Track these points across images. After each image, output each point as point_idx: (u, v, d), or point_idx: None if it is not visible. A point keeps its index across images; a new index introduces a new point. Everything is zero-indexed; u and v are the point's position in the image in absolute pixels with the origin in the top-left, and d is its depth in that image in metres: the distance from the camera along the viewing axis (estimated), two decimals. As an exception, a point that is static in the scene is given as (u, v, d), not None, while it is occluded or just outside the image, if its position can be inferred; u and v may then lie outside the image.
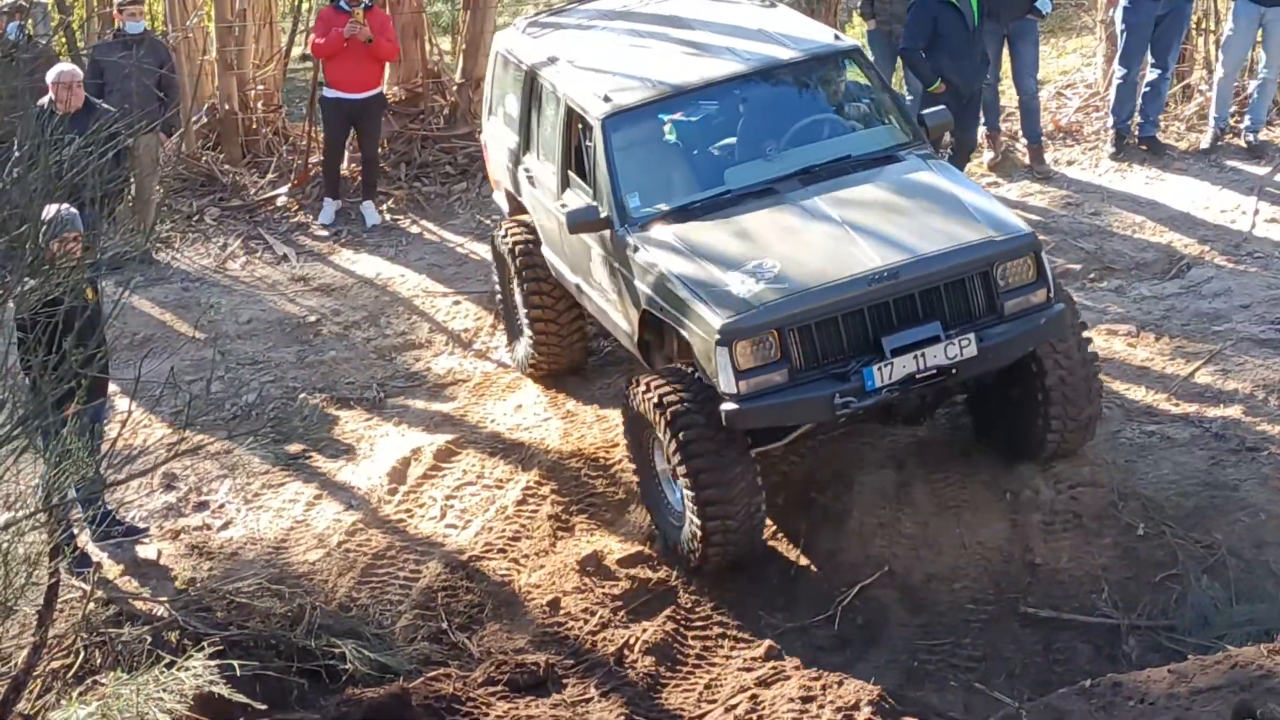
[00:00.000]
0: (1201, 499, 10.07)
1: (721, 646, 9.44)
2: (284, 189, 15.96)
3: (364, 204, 15.47)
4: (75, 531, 9.43)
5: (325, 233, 15.28)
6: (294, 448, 11.59)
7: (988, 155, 15.25)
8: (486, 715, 8.72)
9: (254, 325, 13.62)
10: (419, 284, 14.20)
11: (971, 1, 13.60)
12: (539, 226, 11.78)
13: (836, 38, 11.20)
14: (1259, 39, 14.99)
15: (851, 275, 9.40)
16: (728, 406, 9.32)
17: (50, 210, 7.88)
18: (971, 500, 10.28)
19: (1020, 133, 15.39)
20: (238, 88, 16.41)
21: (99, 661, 8.69)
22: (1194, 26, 16.11)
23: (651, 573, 9.97)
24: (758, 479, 9.71)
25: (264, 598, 9.70)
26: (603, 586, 9.90)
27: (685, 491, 9.62)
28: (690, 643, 9.46)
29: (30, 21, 14.82)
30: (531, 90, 11.57)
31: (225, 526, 10.92)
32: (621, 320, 10.64)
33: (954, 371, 9.46)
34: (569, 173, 10.90)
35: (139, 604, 9.67)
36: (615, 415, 10.79)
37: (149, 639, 8.86)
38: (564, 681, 9.15)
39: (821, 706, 8.62)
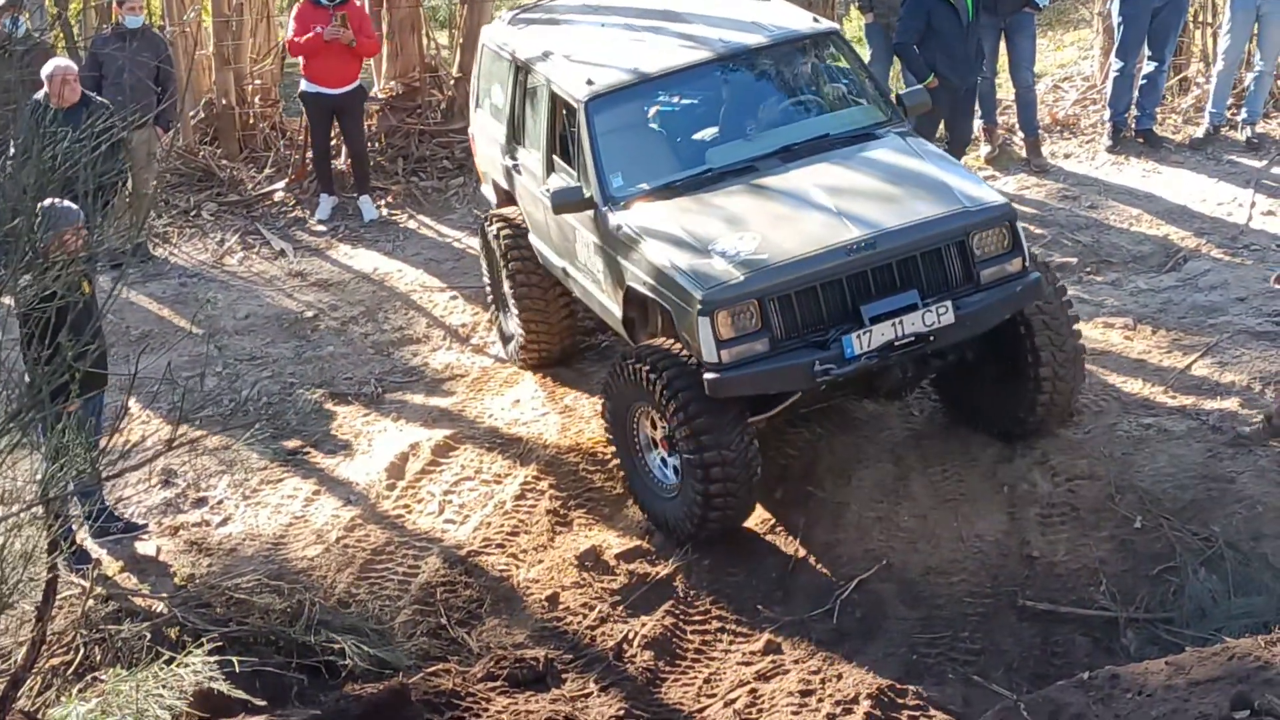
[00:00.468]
0: (1199, 491, 10.08)
1: (720, 640, 9.45)
2: (281, 184, 15.96)
3: (360, 199, 15.48)
4: (73, 527, 9.43)
5: (322, 228, 15.28)
6: (292, 443, 11.62)
7: (984, 149, 15.26)
8: (486, 710, 8.73)
9: (252, 320, 13.62)
10: (416, 279, 14.21)
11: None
12: (526, 215, 11.96)
13: (815, 20, 11.41)
14: (1255, 31, 14.99)
15: (830, 246, 9.65)
16: (710, 376, 9.51)
17: (48, 205, 7.90)
18: (969, 494, 10.30)
19: (1017, 126, 15.39)
20: (235, 82, 16.40)
21: (99, 658, 8.70)
22: (1191, 19, 16.11)
23: (650, 567, 9.99)
24: (755, 442, 9.85)
25: (263, 593, 9.70)
26: (601, 581, 9.92)
27: (685, 457, 9.74)
28: (689, 637, 9.48)
29: (27, 15, 14.81)
30: (517, 80, 11.73)
31: (224, 522, 10.93)
32: (607, 300, 10.82)
33: (932, 339, 9.68)
34: (554, 157, 11.11)
35: (138, 600, 9.67)
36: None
37: (148, 635, 8.85)
38: (563, 676, 9.17)
39: (820, 700, 8.65)
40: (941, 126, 14.20)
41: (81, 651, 8.69)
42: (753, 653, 9.27)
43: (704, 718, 8.83)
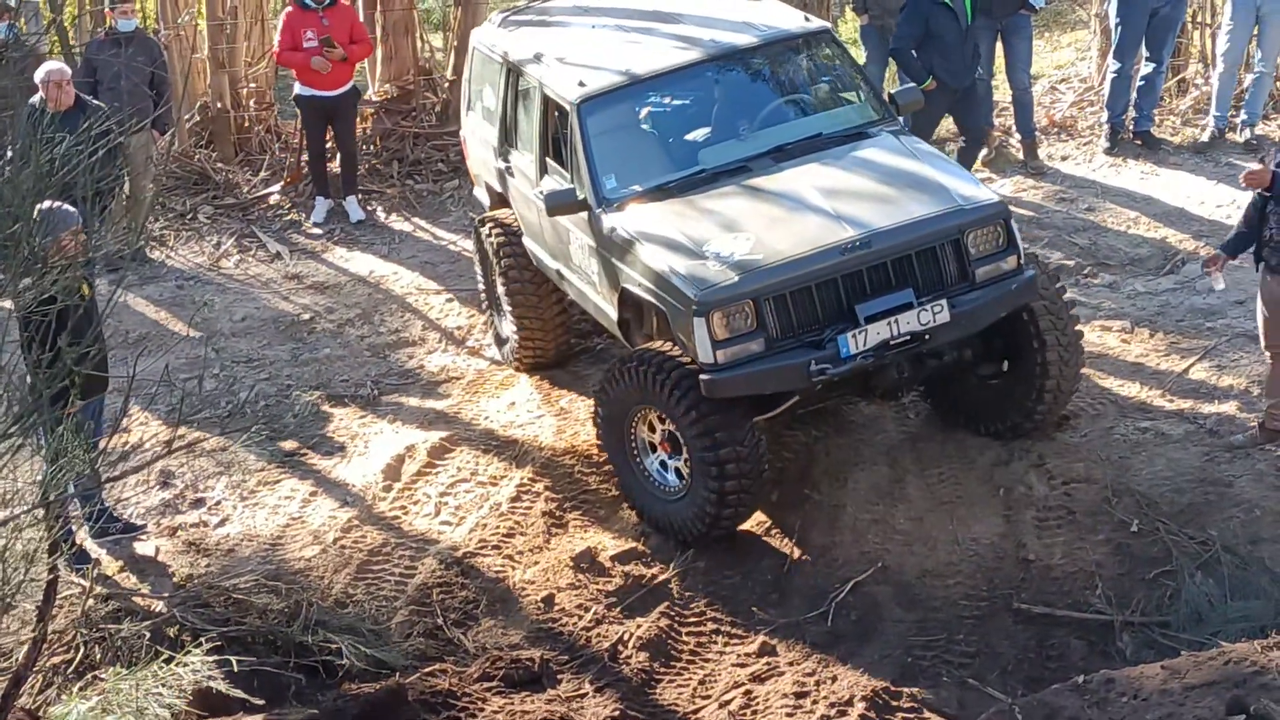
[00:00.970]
0: (1196, 495, 10.09)
1: (715, 642, 9.45)
2: (277, 187, 15.96)
3: (347, 200, 15.49)
4: (73, 528, 9.44)
5: (318, 231, 15.28)
6: (289, 445, 11.63)
7: (982, 151, 15.25)
8: (482, 710, 8.73)
9: (248, 323, 13.63)
10: (412, 281, 14.22)
11: (965, 2, 13.62)
12: (520, 217, 11.97)
13: (807, 19, 11.46)
14: (1255, 32, 14.99)
15: (825, 245, 9.68)
16: (706, 376, 9.54)
17: (47, 208, 7.90)
18: (965, 496, 10.32)
19: (1014, 128, 15.40)
20: (230, 85, 16.40)
21: (98, 657, 8.71)
22: (1189, 20, 16.11)
23: (645, 569, 10.00)
24: (763, 439, 9.90)
25: (261, 594, 9.71)
26: (597, 583, 9.92)
27: (699, 455, 9.74)
28: (684, 638, 9.48)
29: (22, 20, 14.81)
30: (508, 82, 11.74)
31: (222, 523, 10.93)
32: (602, 302, 10.85)
33: (927, 338, 9.71)
34: (547, 160, 11.12)
35: (137, 600, 9.68)
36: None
37: (148, 635, 8.87)
38: (559, 677, 9.17)
39: (815, 702, 8.66)
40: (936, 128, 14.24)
41: (81, 650, 8.70)
42: (748, 654, 9.28)
43: (698, 719, 8.84)
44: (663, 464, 10.22)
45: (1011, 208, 13.78)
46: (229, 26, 16.26)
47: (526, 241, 11.91)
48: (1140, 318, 12.27)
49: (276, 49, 15.22)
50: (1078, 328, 10.59)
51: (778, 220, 10.01)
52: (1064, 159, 15.29)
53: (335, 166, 15.69)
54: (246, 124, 16.57)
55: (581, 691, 9.03)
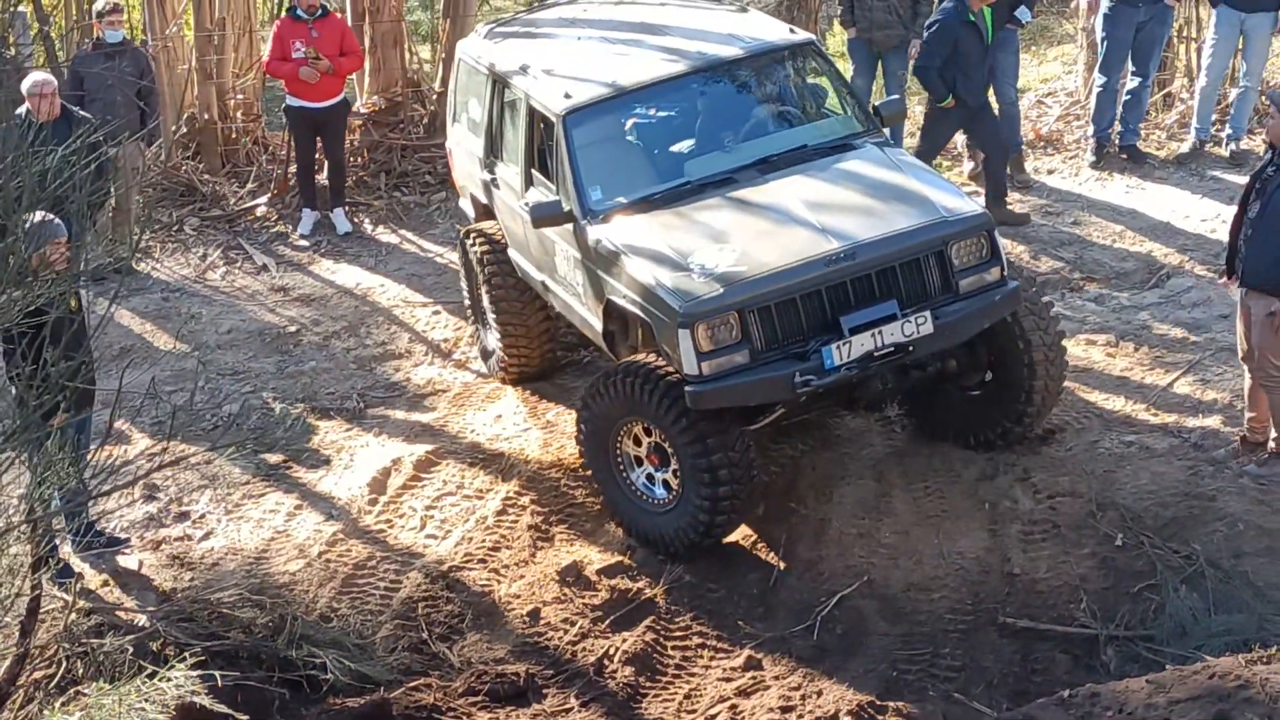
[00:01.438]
0: (1180, 509, 10.10)
1: (701, 656, 9.45)
2: (263, 199, 15.95)
3: (333, 211, 15.48)
4: (57, 543, 9.42)
5: (305, 243, 15.27)
6: (274, 458, 11.60)
7: (968, 165, 15.30)
8: (467, 725, 8.74)
9: (234, 335, 13.61)
10: (399, 294, 14.21)
11: (987, 18, 13.67)
12: (505, 229, 12.00)
13: (792, 31, 11.50)
14: (1239, 47, 15.04)
15: (809, 257, 9.71)
16: (691, 388, 9.56)
17: (34, 219, 7.90)
18: (950, 510, 10.32)
19: (1000, 142, 15.42)
20: (217, 97, 16.38)
21: (81, 672, 8.66)
22: (1175, 34, 16.15)
23: (631, 583, 9.99)
24: (752, 446, 9.94)
25: (245, 608, 9.69)
26: (583, 597, 9.91)
27: (691, 463, 9.76)
28: (670, 653, 9.48)
29: (11, 34, 14.80)
30: (494, 94, 11.76)
31: (206, 537, 10.91)
32: (587, 314, 10.87)
33: (911, 349, 9.74)
34: (532, 171, 11.14)
35: (121, 614, 9.66)
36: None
37: (130, 649, 8.82)
38: (544, 692, 9.16)
39: (801, 716, 8.66)
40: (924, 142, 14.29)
41: (64, 665, 8.66)
42: (733, 669, 9.27)
43: (685, 733, 8.86)
44: (649, 477, 10.22)
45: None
46: (216, 38, 16.24)
47: (512, 253, 11.93)
48: (1125, 331, 12.29)
49: (266, 59, 15.20)
50: (1061, 333, 10.66)
51: (762, 232, 10.04)
52: (1050, 172, 15.32)
53: (322, 178, 15.68)
54: (234, 135, 16.56)
55: (567, 706, 9.02)
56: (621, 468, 10.31)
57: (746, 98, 11.17)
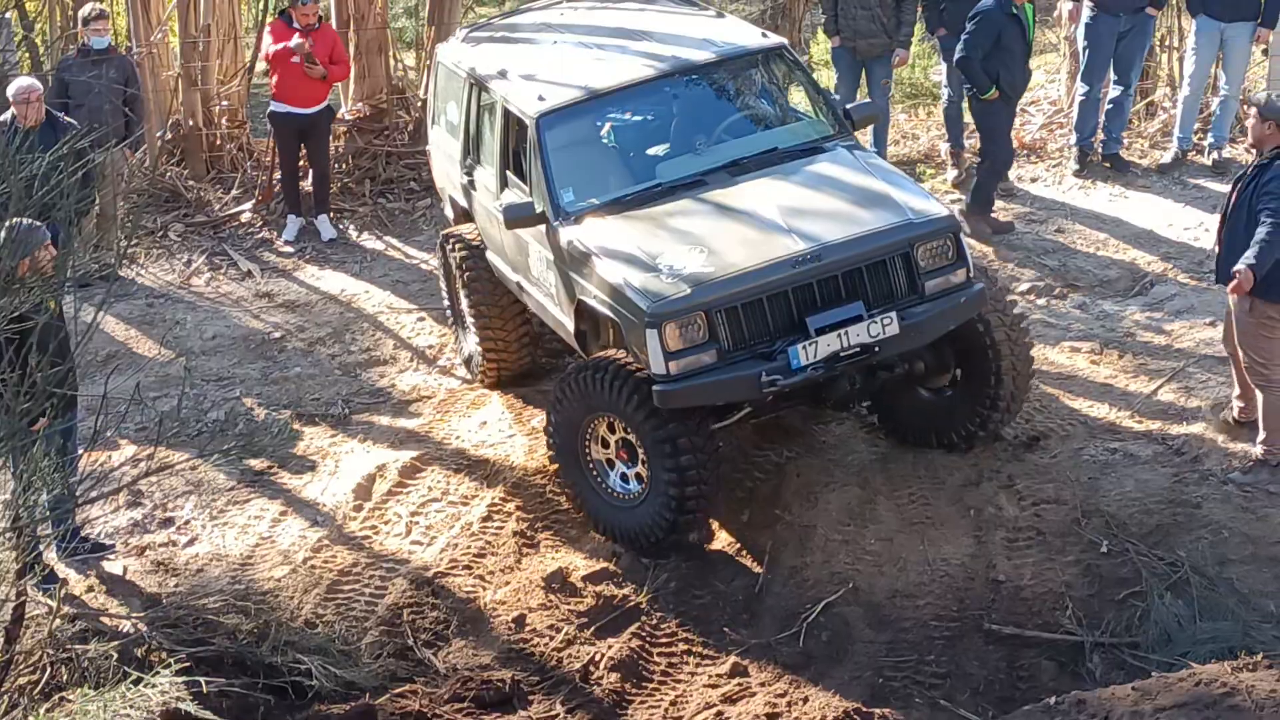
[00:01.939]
0: (1164, 516, 10.12)
1: (687, 663, 9.45)
2: (248, 205, 15.92)
3: (318, 218, 15.46)
4: (41, 549, 9.39)
5: (289, 249, 15.25)
6: (259, 464, 11.59)
7: (951, 172, 15.32)
8: (452, 732, 8.73)
9: (219, 341, 13.58)
10: (383, 300, 14.20)
11: (1028, 13, 13.68)
12: (482, 232, 12.07)
13: (764, 36, 11.59)
14: (1219, 56, 15.08)
15: (776, 258, 9.82)
16: (659, 387, 9.66)
17: (17, 226, 7.88)
18: (935, 517, 10.33)
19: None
20: (202, 103, 16.35)
21: (65, 678, 8.64)
22: (1157, 43, 16.20)
23: (617, 589, 9.98)
24: (719, 442, 10.10)
25: (230, 614, 9.67)
26: (568, 603, 9.90)
27: (659, 459, 9.85)
28: (655, 659, 9.48)
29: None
30: (471, 97, 11.85)
31: (191, 543, 10.89)
32: (560, 314, 10.96)
33: (877, 349, 9.83)
34: (507, 173, 11.24)
35: (105, 620, 9.63)
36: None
37: (115, 655, 8.80)
38: (530, 698, 9.16)
39: (786, 723, 8.66)
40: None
41: (48, 671, 8.64)
42: (719, 675, 9.27)
43: (670, 740, 8.86)
44: (618, 472, 10.34)
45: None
46: (201, 44, 16.22)
47: (490, 256, 12.00)
48: (1109, 339, 12.32)
49: (268, 52, 15.09)
50: (1027, 337, 10.75)
51: (731, 233, 10.14)
52: (1034, 180, 15.34)
53: (307, 185, 15.66)
54: (218, 142, 16.52)
55: (553, 713, 9.02)
56: (590, 463, 10.41)
57: (718, 101, 11.29)
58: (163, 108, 16.41)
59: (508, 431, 11.81)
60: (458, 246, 12.26)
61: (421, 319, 13.75)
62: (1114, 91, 15.18)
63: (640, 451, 10.06)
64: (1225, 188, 14.21)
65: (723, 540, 10.36)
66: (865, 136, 15.34)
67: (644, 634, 9.62)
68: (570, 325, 10.79)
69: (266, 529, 10.97)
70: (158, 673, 7.69)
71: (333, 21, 16.26)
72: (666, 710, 9.04)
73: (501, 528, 10.73)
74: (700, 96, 11.23)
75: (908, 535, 10.21)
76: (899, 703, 8.98)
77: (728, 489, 10.67)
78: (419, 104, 16.71)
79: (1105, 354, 12.10)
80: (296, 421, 12.24)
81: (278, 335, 13.67)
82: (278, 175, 15.77)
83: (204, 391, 12.65)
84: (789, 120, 11.27)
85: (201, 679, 8.27)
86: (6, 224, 7.89)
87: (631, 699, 9.15)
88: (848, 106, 11.38)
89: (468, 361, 12.59)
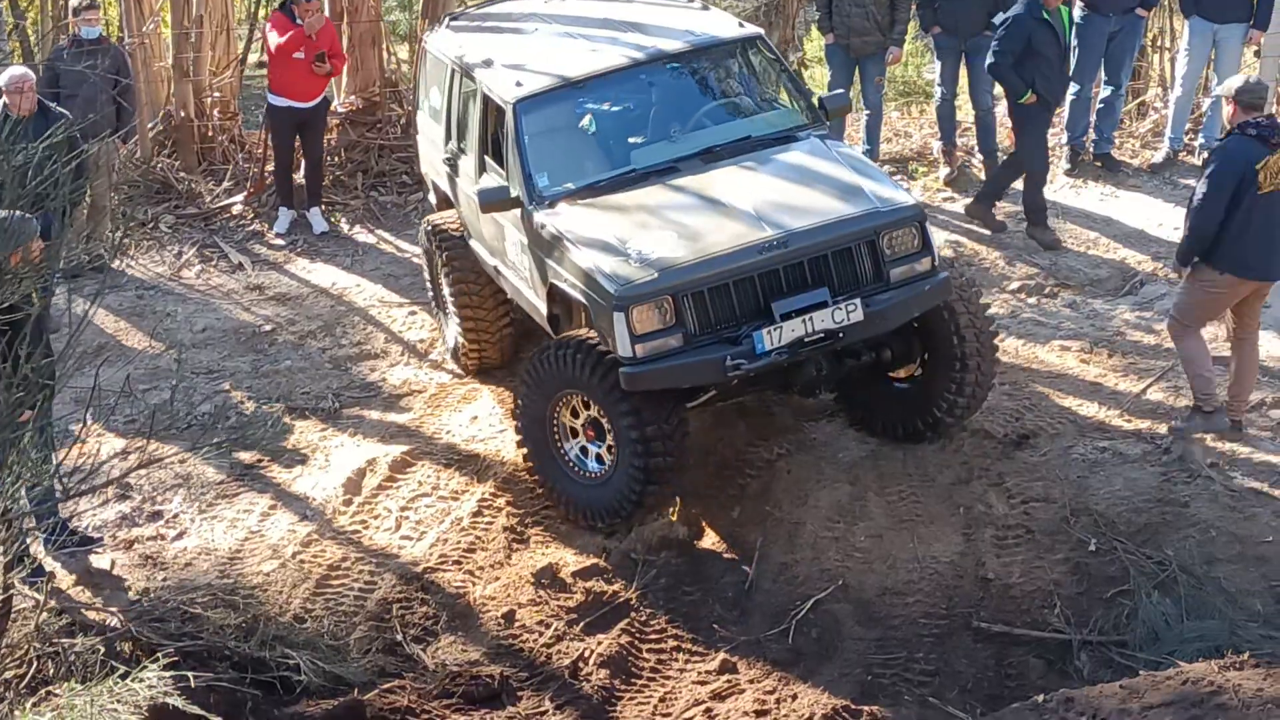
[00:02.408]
0: (1153, 515, 10.13)
1: (676, 660, 9.45)
2: (239, 197, 15.90)
3: (310, 211, 15.45)
4: (29, 542, 9.36)
5: (281, 242, 15.24)
6: (248, 458, 11.57)
7: (943, 170, 15.33)
8: (441, 728, 8.72)
9: (209, 334, 13.57)
10: (375, 294, 14.19)
11: (1064, 19, 13.60)
12: (464, 218, 12.22)
13: (741, 26, 11.75)
14: (1211, 57, 15.09)
15: (743, 244, 9.97)
16: (625, 370, 9.80)
17: (10, 217, 7.86)
18: (925, 515, 10.34)
19: (976, 148, 15.45)
20: (194, 95, 16.32)
21: (52, 672, 8.63)
22: (1149, 44, 16.20)
23: (607, 585, 9.99)
24: (685, 421, 10.22)
25: (218, 608, 9.66)
26: (558, 599, 9.91)
27: (627, 435, 10.01)
28: (645, 656, 9.48)
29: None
30: (454, 83, 12.01)
31: (179, 537, 10.87)
32: (533, 297, 11.12)
33: (841, 335, 9.97)
34: (485, 158, 11.37)
35: (92, 614, 9.62)
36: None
37: (102, 649, 8.80)
38: (519, 694, 9.15)
39: (776, 720, 8.67)
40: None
41: (35, 665, 8.62)
42: (708, 672, 9.27)
43: (659, 737, 8.86)
44: (584, 450, 10.47)
45: (971, 226, 13.98)
46: (194, 35, 16.19)
47: (472, 243, 12.14)
48: (1099, 338, 12.33)
49: (276, 47, 15.05)
50: (992, 325, 10.88)
51: (700, 219, 10.27)
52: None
53: (299, 177, 15.64)
54: (210, 133, 16.50)
55: (541, 709, 9.02)
56: (558, 439, 10.53)
57: (693, 90, 11.44)
58: (155, 99, 16.38)
59: (498, 427, 11.80)
60: (440, 233, 12.42)
61: (413, 313, 13.74)
62: (1105, 91, 15.18)
63: (607, 429, 10.21)
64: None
65: (713, 537, 10.36)
66: (859, 134, 15.38)
67: (633, 630, 9.62)
68: (543, 308, 10.95)
69: (255, 523, 10.96)
70: (145, 667, 7.67)
71: (325, 12, 16.23)
72: (656, 707, 9.04)
73: (491, 523, 10.73)
74: (676, 85, 11.39)
75: (897, 533, 10.22)
76: (888, 700, 8.99)
77: (718, 486, 10.71)
78: (412, 97, 16.69)
79: (1095, 353, 12.12)
80: (287, 415, 12.23)
81: (268, 328, 13.65)
82: (269, 167, 15.75)
83: (194, 384, 12.63)
84: (763, 109, 11.43)
85: (189, 673, 8.27)
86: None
87: (621, 695, 9.15)
88: (820, 97, 11.52)
89: (454, 351, 12.62)
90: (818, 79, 16.66)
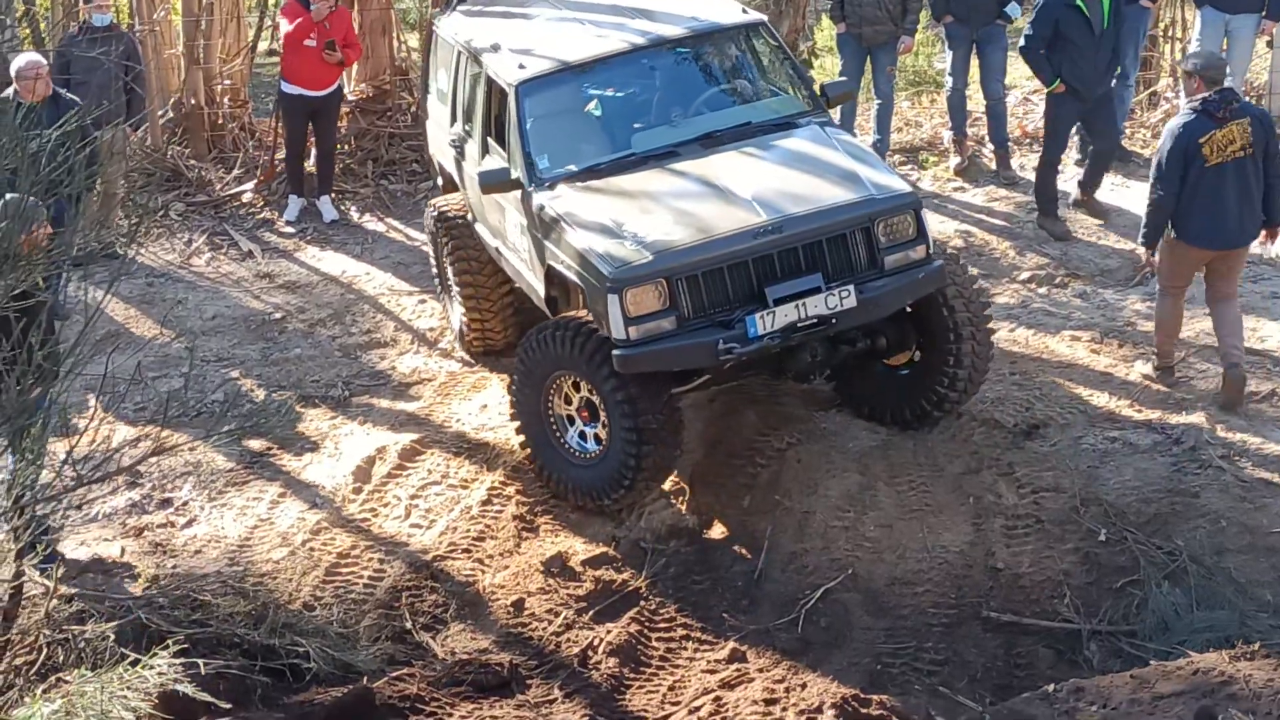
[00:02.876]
0: (1163, 505, 10.14)
1: (685, 648, 9.46)
2: (249, 185, 15.90)
3: (320, 199, 15.44)
4: (53, 526, 9.35)
5: (291, 229, 15.23)
6: (258, 446, 11.57)
7: (954, 160, 15.30)
8: (450, 716, 8.70)
9: (219, 322, 13.57)
10: (385, 282, 14.19)
11: (1103, 6, 13.43)
12: (468, 200, 12.29)
13: (744, 11, 11.80)
14: (1224, 48, 15.04)
15: (737, 229, 10.03)
16: (618, 352, 9.85)
17: (21, 200, 7.86)
18: (935, 504, 10.34)
19: (987, 137, 15.43)
20: (204, 82, 16.33)
21: (62, 659, 8.64)
22: (1160, 34, 16.15)
23: (616, 574, 9.99)
24: (679, 405, 10.31)
25: (227, 596, 9.67)
26: (567, 587, 9.91)
27: (619, 418, 10.08)
28: (654, 644, 9.48)
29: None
30: (462, 67, 12.08)
31: (189, 524, 10.87)
32: (533, 279, 11.18)
33: (834, 321, 9.99)
34: (489, 140, 11.44)
35: (102, 601, 9.61)
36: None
37: (111, 636, 8.80)
38: (528, 682, 9.15)
39: (785, 709, 8.63)
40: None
41: (44, 652, 8.63)
42: (717, 661, 9.27)
43: (668, 726, 8.85)
44: (579, 431, 10.53)
45: (982, 216, 13.95)
46: (204, 22, 16.19)
47: (476, 225, 12.21)
48: (1110, 328, 12.31)
49: (288, 34, 15.04)
50: (990, 322, 10.91)
51: (696, 203, 10.32)
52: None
53: (310, 165, 15.63)
54: (220, 121, 16.50)
55: (551, 697, 9.02)
56: (552, 420, 10.59)
57: (695, 75, 11.52)
58: (165, 86, 16.38)
59: (508, 415, 11.77)
60: (445, 216, 12.49)
61: (423, 301, 13.74)
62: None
63: (602, 411, 10.26)
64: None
65: (722, 526, 10.36)
66: (869, 123, 15.35)
67: (643, 619, 9.63)
68: (541, 290, 11.01)
69: (265, 511, 10.96)
70: (155, 654, 7.68)
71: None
72: (665, 695, 9.04)
73: (501, 512, 10.73)
74: (678, 70, 11.47)
75: (907, 522, 10.22)
76: (897, 689, 8.99)
77: (728, 475, 10.69)
78: (421, 83, 16.69)
79: (1105, 343, 12.10)
80: (296, 403, 12.22)
81: (278, 316, 13.65)
82: (279, 155, 15.75)
83: (204, 372, 12.64)
84: (764, 95, 11.46)
85: (199, 661, 8.28)
86: (5, 198, 7.89)
87: (630, 684, 9.16)
88: (823, 84, 11.57)
89: (459, 334, 12.67)
90: (829, 68, 16.63)
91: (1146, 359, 11.62)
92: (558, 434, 10.60)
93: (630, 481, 10.24)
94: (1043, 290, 12.95)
